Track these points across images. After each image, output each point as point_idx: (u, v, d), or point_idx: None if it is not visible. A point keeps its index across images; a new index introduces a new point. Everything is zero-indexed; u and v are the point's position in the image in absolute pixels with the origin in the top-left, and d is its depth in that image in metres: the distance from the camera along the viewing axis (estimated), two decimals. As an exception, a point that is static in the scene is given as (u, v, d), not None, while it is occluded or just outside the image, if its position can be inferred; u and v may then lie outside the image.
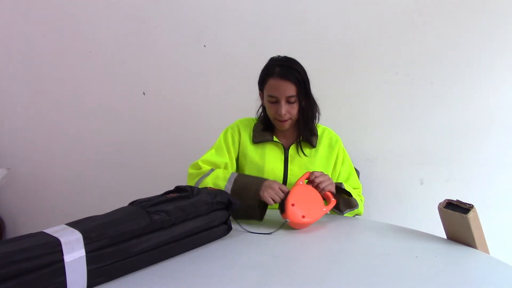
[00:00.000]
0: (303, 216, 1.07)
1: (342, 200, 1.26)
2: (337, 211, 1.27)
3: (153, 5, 1.96)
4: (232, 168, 1.35)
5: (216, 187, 1.16)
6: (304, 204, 1.09)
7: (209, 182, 1.21)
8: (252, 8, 1.80)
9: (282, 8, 1.75)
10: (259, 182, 1.16)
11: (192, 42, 1.92)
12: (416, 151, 1.67)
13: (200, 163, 1.30)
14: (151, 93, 2.06)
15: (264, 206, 1.15)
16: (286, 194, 1.11)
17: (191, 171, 1.30)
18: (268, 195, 1.11)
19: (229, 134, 1.37)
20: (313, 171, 1.19)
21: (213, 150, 1.35)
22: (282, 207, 1.09)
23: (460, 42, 1.57)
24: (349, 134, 1.69)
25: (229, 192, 1.16)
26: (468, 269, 0.88)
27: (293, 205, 1.07)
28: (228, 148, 1.35)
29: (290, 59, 1.28)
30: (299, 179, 1.19)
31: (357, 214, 1.32)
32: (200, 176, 1.24)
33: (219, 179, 1.21)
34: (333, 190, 1.19)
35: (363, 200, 1.37)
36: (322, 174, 1.19)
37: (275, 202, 1.12)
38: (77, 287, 0.72)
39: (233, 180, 1.19)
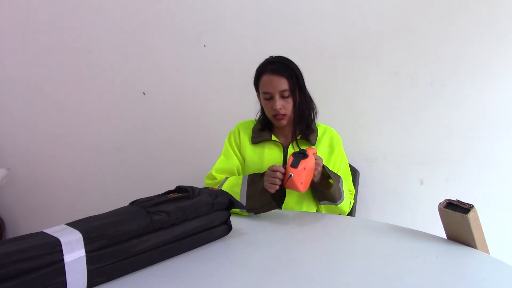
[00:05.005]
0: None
1: (319, 189, 1.26)
2: (316, 196, 1.29)
3: (153, 5, 1.96)
4: (243, 169, 1.40)
5: (235, 194, 1.21)
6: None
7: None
8: (252, 8, 1.80)
9: (282, 8, 1.75)
10: (263, 177, 1.20)
11: (192, 42, 1.92)
12: (416, 151, 1.67)
13: (214, 173, 1.36)
14: (151, 93, 2.06)
15: (280, 195, 1.22)
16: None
17: (207, 181, 1.37)
18: (268, 185, 1.16)
19: (232, 139, 1.41)
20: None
21: (222, 157, 1.40)
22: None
23: (460, 42, 1.56)
24: (349, 134, 1.69)
25: (245, 194, 1.22)
26: (468, 269, 0.88)
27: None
28: (235, 151, 1.39)
29: (281, 57, 1.33)
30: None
31: (340, 213, 1.33)
32: (216, 186, 1.30)
33: (235, 185, 1.27)
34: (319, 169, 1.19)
35: (352, 203, 1.39)
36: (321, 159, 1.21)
37: (276, 186, 1.15)
38: (77, 287, 0.72)
39: (246, 182, 1.25)
